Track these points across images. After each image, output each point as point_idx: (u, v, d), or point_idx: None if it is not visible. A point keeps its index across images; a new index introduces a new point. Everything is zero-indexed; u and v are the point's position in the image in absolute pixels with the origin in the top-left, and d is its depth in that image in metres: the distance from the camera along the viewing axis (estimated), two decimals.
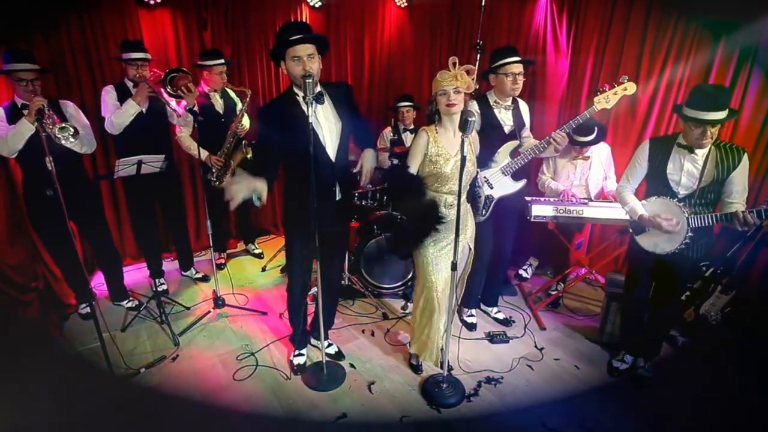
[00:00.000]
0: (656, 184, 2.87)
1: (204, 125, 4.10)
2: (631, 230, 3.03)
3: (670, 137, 2.84)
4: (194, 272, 4.67)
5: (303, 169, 2.53)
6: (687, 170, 2.73)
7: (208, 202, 3.82)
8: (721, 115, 2.53)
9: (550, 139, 3.14)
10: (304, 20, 5.39)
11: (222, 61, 4.21)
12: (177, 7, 4.59)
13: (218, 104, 4.33)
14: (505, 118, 3.34)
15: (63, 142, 2.99)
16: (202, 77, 4.26)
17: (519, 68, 3.20)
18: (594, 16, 4.28)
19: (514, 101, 3.38)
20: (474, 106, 3.28)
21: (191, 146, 4.15)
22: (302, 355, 3.31)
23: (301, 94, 2.60)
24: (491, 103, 3.32)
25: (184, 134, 4.14)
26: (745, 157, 2.64)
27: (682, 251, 2.78)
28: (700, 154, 2.68)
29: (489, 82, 3.35)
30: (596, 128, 3.73)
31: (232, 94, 4.42)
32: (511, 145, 3.31)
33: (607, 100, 3.06)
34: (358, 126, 2.88)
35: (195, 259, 4.81)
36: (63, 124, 3.00)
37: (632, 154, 4.06)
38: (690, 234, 2.71)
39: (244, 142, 4.18)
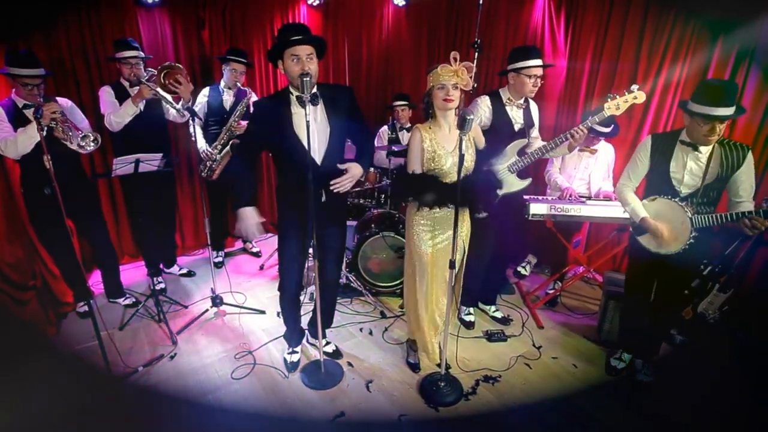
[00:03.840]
0: (657, 182, 2.82)
1: (209, 119, 4.17)
2: (632, 230, 3.02)
3: (672, 133, 2.79)
4: (178, 269, 4.68)
5: (289, 168, 2.61)
6: (690, 168, 2.69)
7: (206, 201, 3.83)
8: (730, 111, 2.47)
9: (568, 135, 3.14)
10: (302, 19, 5.40)
11: (242, 60, 4.28)
12: (175, 6, 4.59)
13: (228, 101, 4.36)
14: (516, 116, 3.34)
15: (87, 149, 3.20)
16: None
17: (541, 71, 3.22)
18: (592, 16, 4.30)
19: (526, 101, 3.37)
20: (486, 101, 3.27)
21: (198, 138, 4.22)
22: (296, 352, 3.32)
23: (296, 93, 2.60)
24: (504, 101, 3.32)
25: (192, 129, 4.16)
26: (750, 155, 2.59)
27: (686, 251, 2.74)
28: (704, 151, 2.64)
29: (507, 79, 3.33)
30: (613, 124, 3.81)
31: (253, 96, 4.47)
32: (519, 143, 3.31)
33: (617, 107, 3.05)
34: (357, 132, 2.86)
35: (193, 258, 4.81)
36: (84, 133, 3.18)
37: (629, 153, 4.10)
38: (694, 234, 2.69)
39: (232, 141, 4.17)
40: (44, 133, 2.80)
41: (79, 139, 3.13)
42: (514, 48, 3.38)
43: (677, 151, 2.73)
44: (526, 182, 3.37)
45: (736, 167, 2.60)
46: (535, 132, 3.46)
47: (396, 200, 4.15)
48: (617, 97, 3.06)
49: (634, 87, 3.04)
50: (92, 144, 3.18)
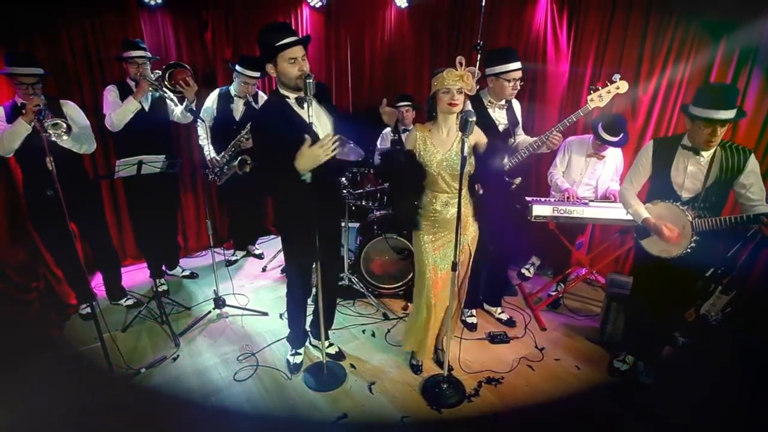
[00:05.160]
0: (659, 186, 2.83)
1: (217, 127, 4.20)
2: (635, 235, 3.02)
3: (674, 138, 2.79)
4: (180, 270, 4.69)
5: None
6: (690, 172, 2.68)
7: (209, 203, 3.85)
8: (731, 113, 2.46)
9: (545, 139, 3.14)
10: (304, 21, 5.41)
11: (254, 74, 4.20)
12: (178, 8, 4.60)
13: (238, 111, 4.35)
14: (499, 117, 3.33)
15: (54, 138, 3.02)
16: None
17: (520, 74, 3.20)
18: (594, 17, 4.29)
19: (508, 100, 3.36)
20: (467, 106, 3.27)
21: (206, 144, 4.24)
22: (299, 354, 3.32)
23: (291, 95, 2.61)
24: (485, 103, 3.31)
25: (201, 133, 4.24)
26: (752, 158, 2.58)
27: (688, 255, 2.73)
28: (706, 155, 2.63)
29: (486, 82, 3.32)
30: (622, 133, 3.70)
31: None
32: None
33: (600, 99, 3.04)
34: (348, 123, 2.88)
35: (196, 260, 4.83)
36: (55, 120, 3.01)
37: (633, 155, 4.10)
38: (695, 238, 2.67)
39: (241, 157, 4.13)
40: (46, 134, 2.81)
41: (49, 125, 2.98)
42: (490, 50, 3.36)
43: (678, 156, 2.72)
44: (516, 182, 3.35)
45: (737, 171, 2.59)
46: (519, 130, 3.46)
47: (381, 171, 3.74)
48: (599, 88, 3.05)
49: (616, 77, 3.02)
50: (64, 135, 3.06)
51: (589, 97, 3.06)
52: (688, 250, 2.71)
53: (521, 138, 3.44)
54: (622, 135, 3.71)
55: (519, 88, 3.24)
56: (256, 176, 3.82)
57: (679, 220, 2.72)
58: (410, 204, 2.86)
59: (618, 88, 3.02)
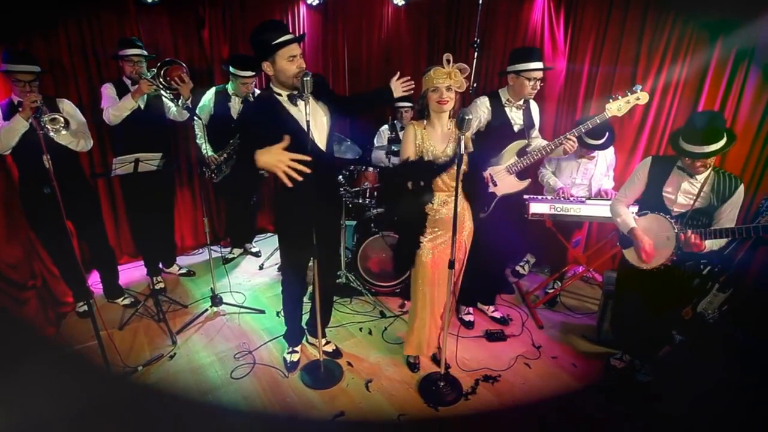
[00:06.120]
0: (652, 199, 2.86)
1: (214, 125, 4.19)
2: (619, 243, 3.04)
3: (671, 158, 2.83)
4: (177, 268, 4.69)
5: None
6: (684, 189, 2.73)
7: (206, 200, 3.84)
8: (713, 147, 2.52)
9: (560, 143, 3.14)
10: (301, 19, 5.40)
11: (249, 74, 4.18)
12: (174, 6, 4.58)
13: (235, 109, 4.33)
14: (515, 117, 3.33)
15: (53, 134, 3.00)
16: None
17: (541, 73, 3.20)
18: (591, 15, 4.29)
19: (526, 101, 3.35)
20: (485, 102, 3.26)
21: (204, 143, 4.23)
22: (296, 352, 3.32)
23: (283, 93, 2.60)
24: (503, 102, 3.31)
25: (197, 131, 4.22)
26: (741, 188, 2.63)
27: (668, 268, 2.78)
28: (700, 177, 2.68)
29: (507, 80, 3.32)
30: (607, 132, 3.68)
31: None
32: (518, 144, 3.30)
33: (619, 108, 3.03)
34: (346, 102, 2.92)
35: (192, 257, 4.82)
36: (53, 115, 2.99)
37: (628, 154, 4.11)
38: (678, 252, 2.70)
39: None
40: (43, 132, 2.80)
41: (47, 119, 2.95)
42: (514, 49, 3.36)
43: (673, 175, 2.77)
44: (526, 183, 3.36)
45: (727, 196, 2.64)
46: (535, 132, 3.45)
47: (388, 194, 3.45)
48: (619, 98, 3.03)
49: (637, 87, 2.99)
50: (62, 130, 3.02)
51: (607, 106, 3.04)
52: (669, 263, 2.76)
53: (536, 141, 3.43)
54: (606, 135, 3.69)
55: (539, 88, 3.24)
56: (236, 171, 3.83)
57: (664, 230, 2.75)
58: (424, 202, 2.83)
59: (638, 99, 3.01)
